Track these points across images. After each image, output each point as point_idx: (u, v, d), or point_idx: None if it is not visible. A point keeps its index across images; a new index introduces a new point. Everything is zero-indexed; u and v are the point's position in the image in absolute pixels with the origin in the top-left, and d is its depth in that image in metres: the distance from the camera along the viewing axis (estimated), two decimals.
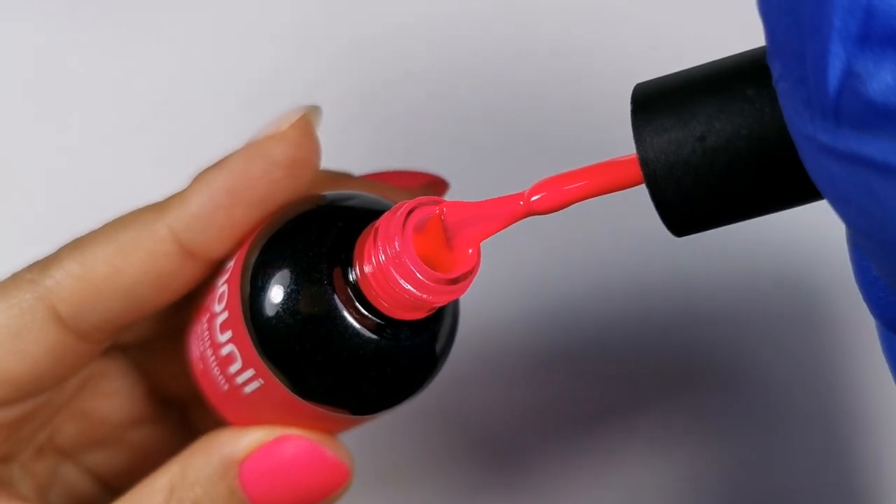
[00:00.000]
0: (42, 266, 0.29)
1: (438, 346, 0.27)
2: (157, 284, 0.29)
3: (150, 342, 0.33)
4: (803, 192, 0.22)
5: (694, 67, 0.24)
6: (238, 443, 0.28)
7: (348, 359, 0.26)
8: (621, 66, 0.41)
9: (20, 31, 0.43)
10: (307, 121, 0.28)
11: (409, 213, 0.25)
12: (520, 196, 0.25)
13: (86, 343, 0.29)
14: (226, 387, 0.29)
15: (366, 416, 0.28)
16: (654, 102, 0.23)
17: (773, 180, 0.22)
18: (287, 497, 0.28)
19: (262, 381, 0.27)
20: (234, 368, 0.28)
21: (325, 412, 0.27)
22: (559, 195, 0.25)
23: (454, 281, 0.25)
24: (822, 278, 0.40)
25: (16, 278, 0.29)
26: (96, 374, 0.33)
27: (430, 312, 0.27)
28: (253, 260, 0.27)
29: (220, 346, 0.28)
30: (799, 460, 0.39)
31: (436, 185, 0.32)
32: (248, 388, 0.28)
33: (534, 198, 0.25)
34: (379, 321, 0.26)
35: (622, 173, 0.24)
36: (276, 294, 0.26)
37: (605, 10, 0.42)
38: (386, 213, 0.25)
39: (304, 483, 0.28)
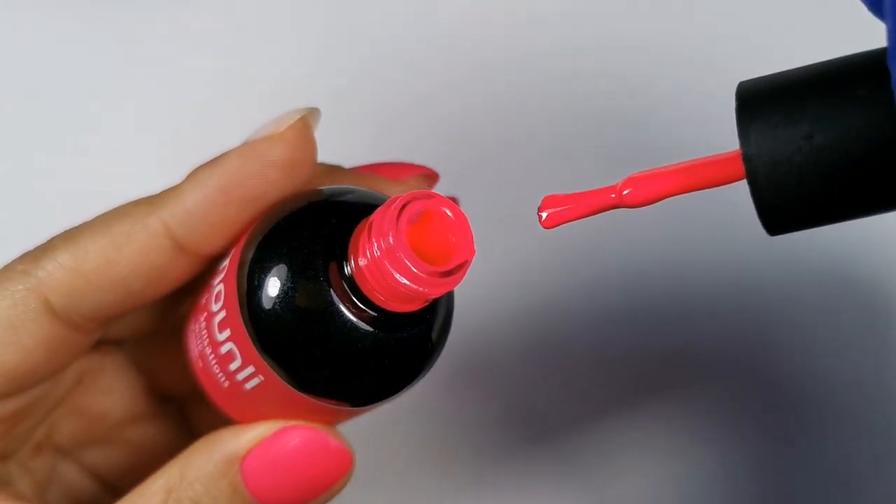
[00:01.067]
0: (34, 257, 0.29)
1: (434, 337, 0.28)
2: (149, 277, 0.29)
3: (147, 338, 0.33)
4: None
5: (799, 68, 0.23)
6: (239, 439, 0.28)
7: (346, 352, 0.26)
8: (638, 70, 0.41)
9: (21, 31, 0.42)
10: (305, 123, 0.28)
11: (403, 207, 0.25)
12: (612, 189, 0.25)
13: (78, 334, 0.29)
14: (226, 384, 0.29)
15: (365, 408, 0.28)
16: (759, 100, 0.23)
17: (879, 182, 0.22)
18: (291, 489, 0.28)
19: (263, 378, 0.27)
20: (233, 366, 0.28)
21: (325, 405, 0.27)
22: (651, 190, 0.25)
23: (448, 273, 0.25)
24: (833, 274, 0.40)
25: (8, 269, 0.29)
26: (93, 371, 0.32)
27: (426, 304, 0.27)
28: (249, 257, 0.27)
29: (219, 345, 0.28)
30: (810, 458, 0.40)
31: (427, 177, 0.32)
32: (249, 385, 0.28)
33: (625, 191, 0.25)
34: (375, 314, 0.26)
35: (720, 170, 0.24)
36: (272, 290, 0.26)
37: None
38: (380, 208, 0.25)
39: (309, 473, 0.28)
